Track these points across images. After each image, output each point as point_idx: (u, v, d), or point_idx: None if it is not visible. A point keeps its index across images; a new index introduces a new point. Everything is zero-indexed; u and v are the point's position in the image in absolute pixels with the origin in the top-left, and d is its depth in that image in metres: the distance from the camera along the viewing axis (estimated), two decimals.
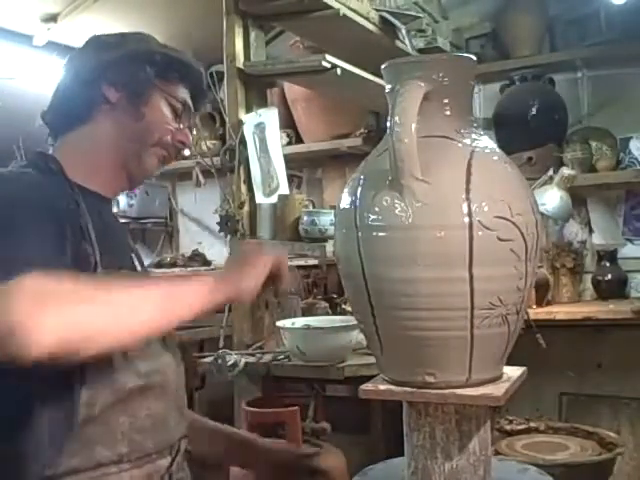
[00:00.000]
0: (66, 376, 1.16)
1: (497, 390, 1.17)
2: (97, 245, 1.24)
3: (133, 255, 1.43)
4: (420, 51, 3.14)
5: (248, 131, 2.52)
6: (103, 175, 1.35)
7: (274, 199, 2.51)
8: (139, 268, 1.42)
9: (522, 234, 1.12)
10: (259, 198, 2.53)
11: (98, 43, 1.39)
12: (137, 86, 1.35)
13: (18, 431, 1.15)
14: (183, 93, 1.41)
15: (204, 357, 2.46)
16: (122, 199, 4.05)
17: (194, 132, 1.50)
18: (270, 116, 2.58)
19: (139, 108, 1.35)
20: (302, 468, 1.54)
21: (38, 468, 1.15)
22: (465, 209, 1.09)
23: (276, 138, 2.60)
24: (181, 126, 1.41)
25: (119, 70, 1.34)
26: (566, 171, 3.04)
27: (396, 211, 1.11)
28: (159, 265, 3.90)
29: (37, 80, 3.53)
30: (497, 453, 2.29)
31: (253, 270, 1.23)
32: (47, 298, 0.96)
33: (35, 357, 0.94)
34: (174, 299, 1.13)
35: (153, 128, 1.36)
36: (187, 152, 1.49)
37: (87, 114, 1.35)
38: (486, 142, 1.20)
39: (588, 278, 3.43)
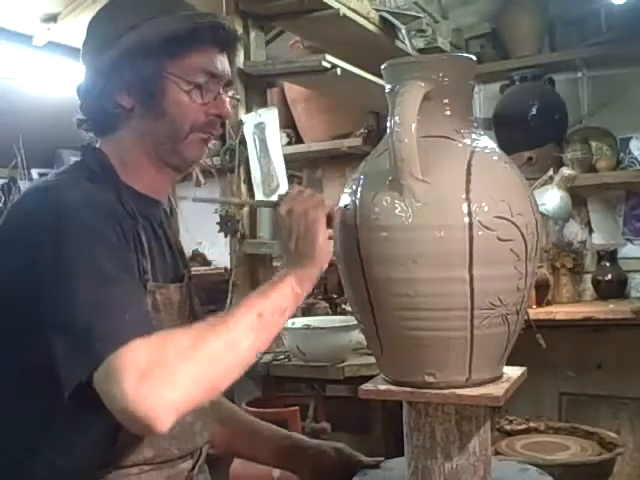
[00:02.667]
0: None
1: (497, 390, 1.17)
2: (150, 259, 1.22)
3: (181, 257, 1.40)
4: (420, 51, 3.14)
5: (248, 131, 2.52)
6: (147, 177, 1.28)
7: (274, 199, 2.51)
8: (184, 271, 1.38)
9: (522, 234, 1.13)
10: (259, 198, 2.53)
11: (96, 37, 1.26)
12: (145, 84, 1.22)
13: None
14: (201, 62, 1.25)
15: None
16: None
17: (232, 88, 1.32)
18: (270, 116, 2.58)
19: (157, 106, 1.23)
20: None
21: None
22: (465, 209, 1.09)
23: (276, 138, 2.60)
24: (210, 98, 1.26)
25: (120, 74, 1.22)
26: (566, 171, 3.04)
27: (396, 211, 1.11)
28: None
29: (37, 80, 3.53)
30: (497, 453, 2.29)
31: (318, 237, 1.18)
32: (155, 374, 0.94)
33: (165, 429, 0.95)
34: (268, 314, 1.10)
35: (180, 120, 1.24)
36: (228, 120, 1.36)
37: (112, 125, 1.27)
38: (486, 142, 1.20)
39: (588, 278, 3.43)
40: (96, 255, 1.05)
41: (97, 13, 1.29)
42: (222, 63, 1.28)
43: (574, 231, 3.50)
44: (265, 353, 2.41)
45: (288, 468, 1.51)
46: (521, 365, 1.30)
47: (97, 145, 1.30)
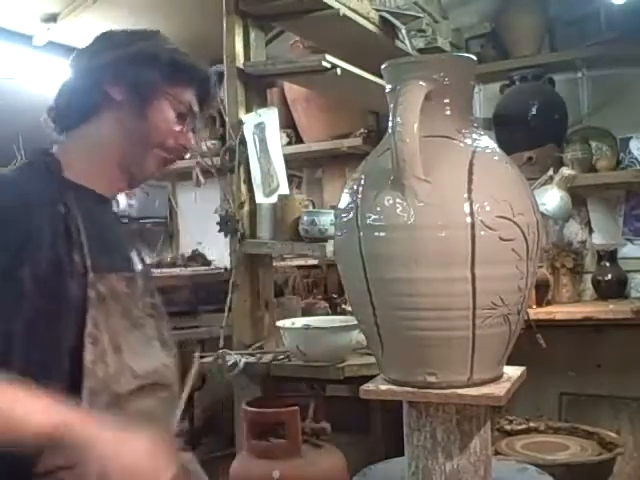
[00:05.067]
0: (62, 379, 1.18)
1: (498, 390, 1.17)
2: (89, 249, 1.25)
3: (133, 254, 1.43)
4: (420, 51, 3.14)
5: (248, 131, 2.52)
6: (103, 174, 1.35)
7: (274, 199, 2.51)
8: (139, 267, 1.42)
9: (523, 234, 1.13)
10: (259, 198, 2.52)
11: (106, 41, 1.38)
12: (142, 87, 1.33)
13: None
14: (189, 96, 1.39)
15: (204, 357, 2.45)
16: (122, 199, 4.04)
17: (197, 133, 1.47)
18: (270, 116, 2.58)
19: (143, 109, 1.34)
20: None
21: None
22: (467, 209, 1.09)
23: (276, 138, 2.60)
24: (184, 129, 1.39)
25: (124, 69, 1.32)
26: (566, 171, 3.04)
27: (398, 211, 1.11)
28: (159, 265, 3.90)
29: (37, 80, 3.53)
30: (497, 453, 2.29)
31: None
32: None
33: None
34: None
35: (156, 130, 1.35)
36: (187, 155, 1.49)
37: (91, 112, 1.35)
38: (487, 142, 1.20)
39: (588, 278, 3.43)
40: None
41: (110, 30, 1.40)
42: (199, 107, 1.43)
43: (574, 231, 3.50)
44: (265, 353, 2.41)
45: None
46: (521, 365, 1.30)
47: (53, 149, 1.36)
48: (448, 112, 1.19)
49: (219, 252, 3.92)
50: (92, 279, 1.24)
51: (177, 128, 1.38)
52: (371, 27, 2.84)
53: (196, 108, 1.41)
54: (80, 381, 1.18)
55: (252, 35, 2.59)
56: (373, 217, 1.13)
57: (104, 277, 1.27)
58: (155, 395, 1.31)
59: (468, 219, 1.09)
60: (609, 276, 3.33)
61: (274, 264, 2.83)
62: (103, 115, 1.34)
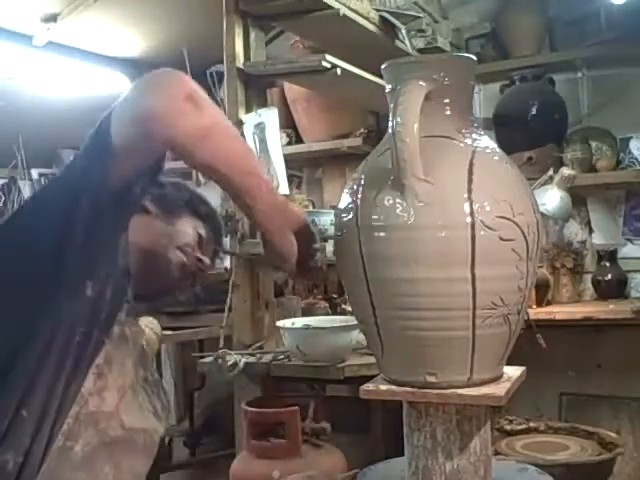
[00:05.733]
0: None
1: (498, 390, 1.17)
2: None
3: None
4: (420, 51, 3.14)
5: (248, 131, 2.52)
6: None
7: None
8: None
9: (523, 234, 1.12)
10: None
11: None
12: (173, 205, 1.53)
13: None
14: (201, 228, 1.57)
15: (204, 357, 2.46)
16: None
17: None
18: (270, 116, 2.58)
19: (172, 219, 1.52)
20: None
21: None
22: (467, 209, 1.09)
23: (276, 138, 2.60)
24: (201, 247, 1.56)
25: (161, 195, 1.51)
26: (566, 171, 3.04)
27: (398, 211, 1.11)
28: None
29: (37, 80, 3.53)
30: (497, 453, 2.29)
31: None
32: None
33: None
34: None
35: (180, 233, 1.52)
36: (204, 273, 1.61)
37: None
38: (487, 142, 1.20)
39: (588, 278, 3.43)
40: None
41: None
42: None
43: (574, 231, 3.50)
44: (265, 353, 2.42)
45: None
46: (521, 365, 1.30)
47: None
48: (448, 112, 1.19)
49: None
50: (123, 320, 1.31)
51: (195, 241, 1.54)
52: (371, 27, 2.84)
53: (205, 238, 1.58)
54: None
55: (252, 35, 2.60)
56: (373, 217, 1.13)
57: (133, 323, 1.36)
58: (142, 457, 1.33)
59: (468, 219, 1.09)
60: (609, 276, 3.33)
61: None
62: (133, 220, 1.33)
